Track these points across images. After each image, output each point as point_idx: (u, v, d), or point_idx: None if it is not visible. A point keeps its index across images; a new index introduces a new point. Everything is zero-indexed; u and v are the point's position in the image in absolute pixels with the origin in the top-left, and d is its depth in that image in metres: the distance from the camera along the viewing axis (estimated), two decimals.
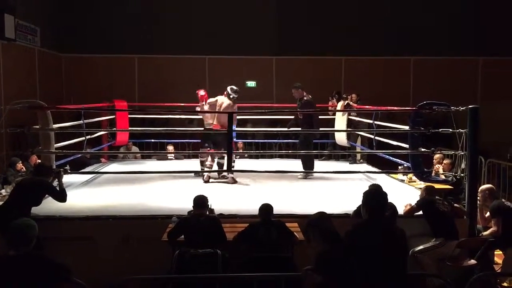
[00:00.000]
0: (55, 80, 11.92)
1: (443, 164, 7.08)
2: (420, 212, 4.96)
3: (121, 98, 9.52)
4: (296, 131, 7.90)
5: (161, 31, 12.29)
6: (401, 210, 5.02)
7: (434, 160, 7.54)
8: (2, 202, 5.18)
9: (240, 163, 8.18)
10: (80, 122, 7.27)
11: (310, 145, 7.81)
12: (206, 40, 12.26)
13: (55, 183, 5.06)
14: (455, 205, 5.16)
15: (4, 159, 5.80)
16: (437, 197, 5.07)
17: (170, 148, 9.75)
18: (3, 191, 5.94)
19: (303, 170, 7.48)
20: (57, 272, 3.11)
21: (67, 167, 6.62)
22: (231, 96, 7.17)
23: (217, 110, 7.13)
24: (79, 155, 7.51)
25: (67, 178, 6.93)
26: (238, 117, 8.25)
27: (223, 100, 7.22)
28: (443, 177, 6.35)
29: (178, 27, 12.28)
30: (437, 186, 5.70)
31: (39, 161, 6.97)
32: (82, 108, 7.54)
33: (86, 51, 12.17)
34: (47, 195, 4.92)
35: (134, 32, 12.19)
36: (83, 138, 7.24)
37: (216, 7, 12.32)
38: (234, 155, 7.16)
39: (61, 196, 4.91)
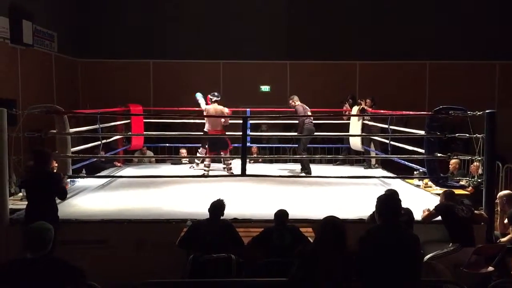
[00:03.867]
0: (72, 85, 12.07)
1: (473, 165, 7.00)
2: (439, 218, 4.90)
3: (136, 102, 9.60)
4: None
5: (176, 36, 12.38)
6: (418, 216, 4.97)
7: (450, 166, 7.46)
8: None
9: (254, 168, 8.19)
10: (96, 126, 7.34)
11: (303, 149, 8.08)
12: (221, 45, 12.31)
13: None
14: (476, 211, 5.06)
15: (21, 163, 5.86)
16: (457, 203, 4.99)
17: (183, 152, 9.79)
18: (20, 194, 6.01)
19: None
20: (72, 275, 3.13)
21: (83, 172, 6.68)
22: (215, 100, 7.85)
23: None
24: (95, 159, 7.58)
25: (83, 182, 7.02)
26: (252, 121, 8.32)
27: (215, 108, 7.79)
28: (463, 182, 6.27)
29: (192, 32, 12.36)
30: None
31: (56, 164, 7.05)
32: (98, 112, 7.61)
33: (102, 56, 12.31)
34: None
35: (149, 37, 12.30)
36: (99, 142, 7.31)
37: (231, 12, 12.38)
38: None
39: (62, 192, 4.88)
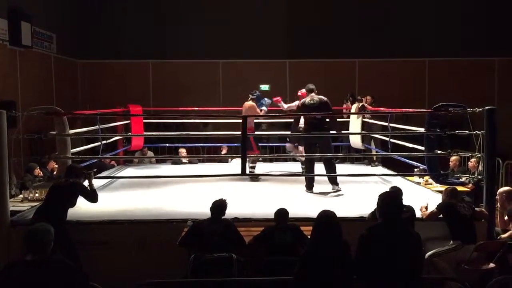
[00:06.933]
0: (71, 86, 12.06)
1: (470, 162, 7.01)
2: (441, 215, 4.90)
3: (136, 103, 9.60)
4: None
5: (175, 36, 12.37)
6: (418, 213, 4.97)
7: (450, 163, 7.47)
8: (33, 204, 5.40)
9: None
10: (96, 127, 7.34)
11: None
12: (220, 45, 12.30)
13: (86, 183, 5.11)
14: (476, 208, 5.06)
15: (22, 165, 5.87)
16: (459, 200, 4.99)
17: (183, 151, 9.78)
18: (20, 196, 6.01)
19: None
20: (73, 277, 3.12)
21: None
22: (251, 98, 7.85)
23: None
24: (95, 160, 7.58)
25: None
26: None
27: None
28: (463, 179, 6.27)
29: (191, 32, 12.35)
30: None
31: (56, 166, 7.06)
32: (98, 113, 7.61)
33: (101, 57, 12.30)
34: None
35: (148, 37, 12.30)
36: (99, 143, 7.31)
37: (229, 11, 12.37)
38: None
39: (92, 196, 4.99)
